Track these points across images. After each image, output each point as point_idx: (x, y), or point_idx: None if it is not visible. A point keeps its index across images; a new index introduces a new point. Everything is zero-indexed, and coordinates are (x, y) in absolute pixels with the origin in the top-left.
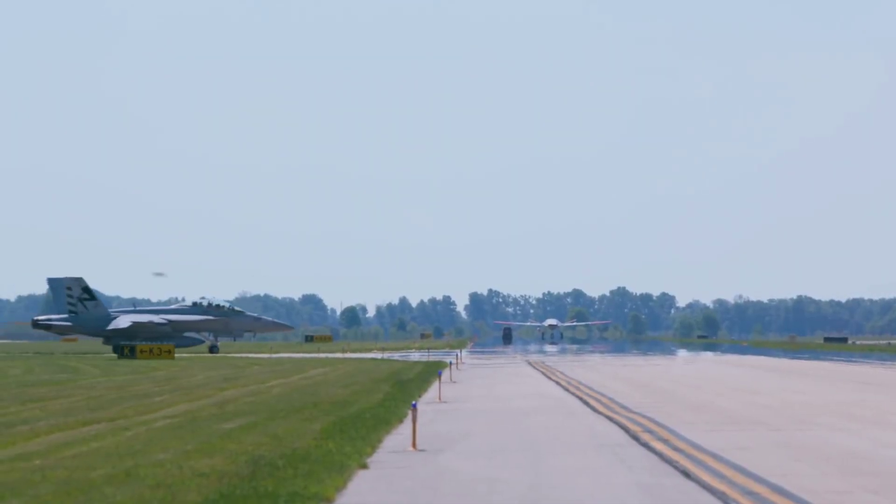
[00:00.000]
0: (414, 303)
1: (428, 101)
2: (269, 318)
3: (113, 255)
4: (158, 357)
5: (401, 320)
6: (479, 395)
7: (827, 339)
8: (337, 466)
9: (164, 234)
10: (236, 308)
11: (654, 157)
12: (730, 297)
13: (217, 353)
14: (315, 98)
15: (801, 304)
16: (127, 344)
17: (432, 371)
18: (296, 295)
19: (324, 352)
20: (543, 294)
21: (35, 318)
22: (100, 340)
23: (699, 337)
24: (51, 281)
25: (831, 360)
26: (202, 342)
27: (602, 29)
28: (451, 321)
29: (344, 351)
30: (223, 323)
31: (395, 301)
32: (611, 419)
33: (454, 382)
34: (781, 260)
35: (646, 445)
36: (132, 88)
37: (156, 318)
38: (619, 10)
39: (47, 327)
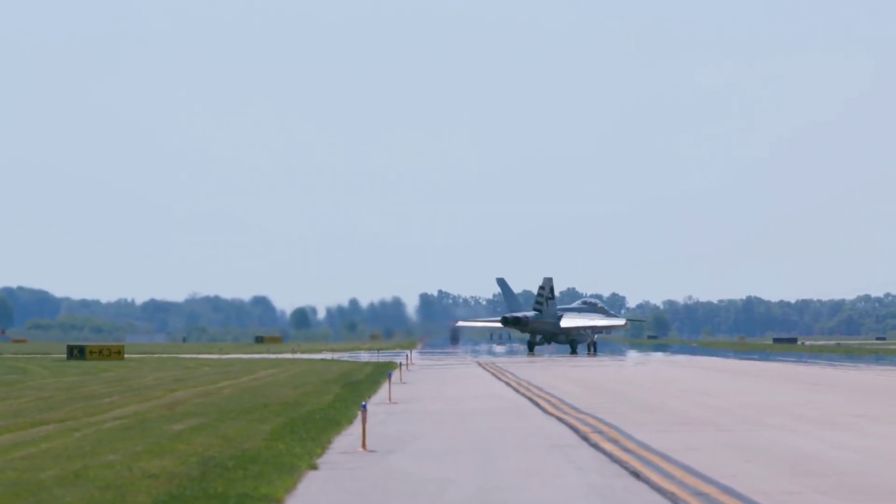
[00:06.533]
0: (364, 304)
1: (379, 98)
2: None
3: (57, 251)
4: (108, 358)
5: (351, 322)
6: (429, 395)
7: (776, 340)
8: (287, 467)
9: (112, 232)
10: (604, 307)
11: (605, 160)
12: (679, 298)
13: (596, 352)
14: (263, 92)
15: (751, 304)
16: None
17: (382, 372)
18: (245, 296)
19: (273, 353)
20: (494, 295)
21: (511, 314)
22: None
23: (649, 337)
24: (499, 281)
25: (781, 360)
26: (586, 340)
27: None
28: (401, 322)
29: (294, 352)
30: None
31: (345, 303)
32: (561, 420)
33: (404, 383)
34: (731, 261)
35: (596, 446)
36: (106, 81)
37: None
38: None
39: (525, 324)
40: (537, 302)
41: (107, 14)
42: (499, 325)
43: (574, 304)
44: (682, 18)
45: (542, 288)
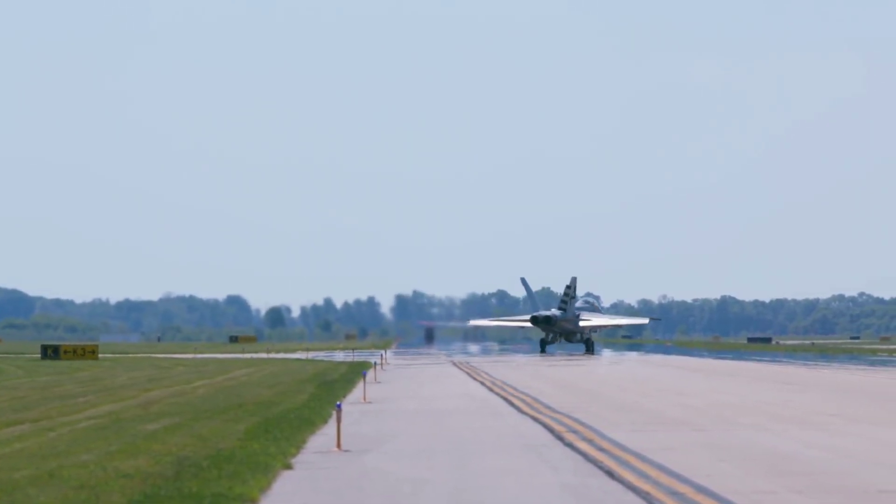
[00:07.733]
0: (338, 303)
1: (356, 98)
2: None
3: (31, 250)
4: (82, 358)
5: (325, 321)
6: (404, 395)
7: (750, 340)
8: (261, 467)
9: (87, 231)
10: (599, 306)
11: (582, 161)
12: (654, 297)
13: (594, 351)
14: (239, 91)
15: (725, 304)
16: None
17: (357, 371)
18: (220, 296)
19: (248, 352)
20: (468, 295)
21: (541, 313)
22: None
23: (624, 337)
24: (522, 280)
25: (755, 360)
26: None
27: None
28: (375, 322)
29: (268, 351)
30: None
31: (320, 302)
32: (536, 420)
33: (379, 383)
34: (706, 260)
35: (570, 446)
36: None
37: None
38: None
39: (553, 323)
40: (562, 301)
41: (103, 13)
42: (527, 323)
43: (577, 304)
44: (676, 17)
45: (568, 287)
